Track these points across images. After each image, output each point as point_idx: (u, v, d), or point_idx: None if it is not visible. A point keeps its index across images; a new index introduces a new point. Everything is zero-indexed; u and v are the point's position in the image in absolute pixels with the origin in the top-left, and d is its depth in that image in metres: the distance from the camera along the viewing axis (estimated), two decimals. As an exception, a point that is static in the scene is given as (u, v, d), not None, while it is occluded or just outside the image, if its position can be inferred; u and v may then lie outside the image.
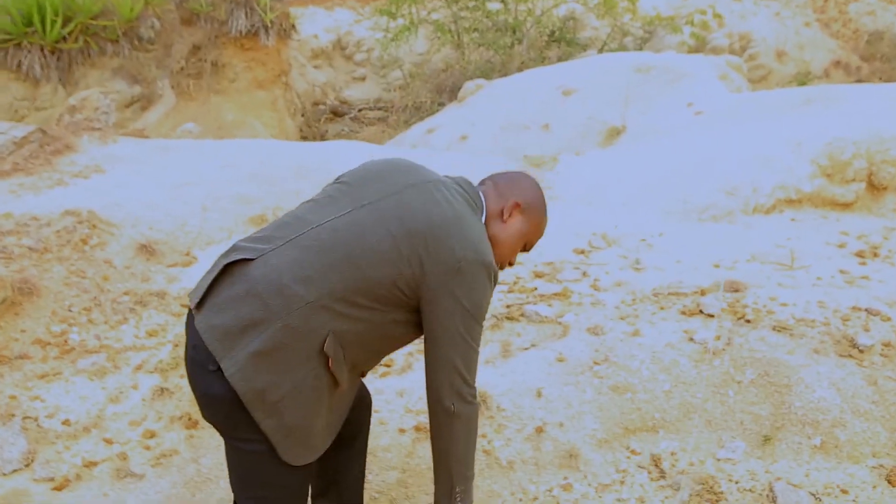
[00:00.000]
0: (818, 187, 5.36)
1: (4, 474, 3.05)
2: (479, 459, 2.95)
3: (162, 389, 3.51)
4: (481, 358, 3.46)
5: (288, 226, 1.95)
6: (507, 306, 3.99)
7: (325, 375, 1.88)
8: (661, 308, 3.81)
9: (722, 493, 2.78)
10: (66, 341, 3.86)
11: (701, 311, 3.70)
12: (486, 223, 2.11)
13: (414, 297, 1.92)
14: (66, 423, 3.32)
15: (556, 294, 4.06)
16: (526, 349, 3.54)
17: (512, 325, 3.81)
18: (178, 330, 3.99)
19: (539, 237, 2.26)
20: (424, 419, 3.09)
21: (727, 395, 3.16)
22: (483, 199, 2.14)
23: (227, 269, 1.89)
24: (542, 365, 3.35)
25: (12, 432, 3.21)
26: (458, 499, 2.09)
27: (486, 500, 2.82)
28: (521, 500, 2.82)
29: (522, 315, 3.88)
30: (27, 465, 3.10)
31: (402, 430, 3.05)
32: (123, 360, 3.74)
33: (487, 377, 3.28)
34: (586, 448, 3.01)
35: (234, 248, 1.93)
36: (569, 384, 3.24)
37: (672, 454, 2.99)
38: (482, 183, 2.22)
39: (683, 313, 3.72)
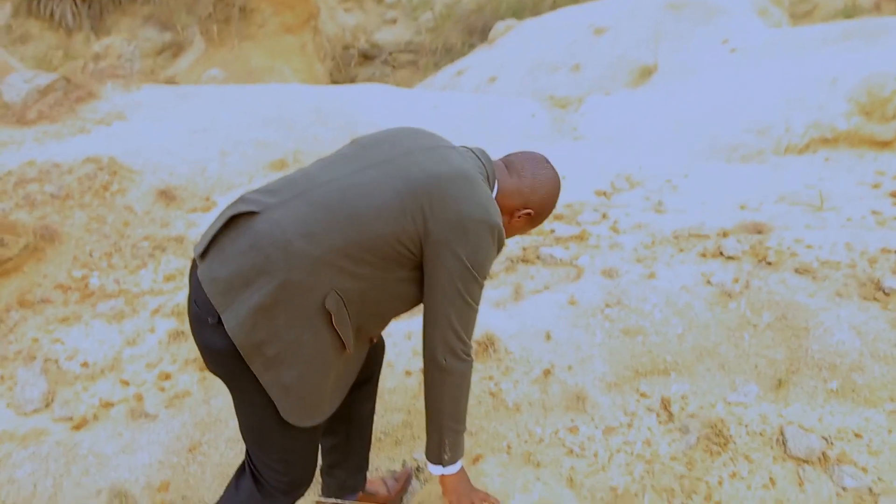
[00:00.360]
0: (855, 125, 5.13)
1: (25, 413, 3.14)
2: (486, 402, 2.94)
3: (177, 332, 3.56)
4: (492, 300, 3.43)
5: (296, 182, 1.91)
6: (524, 248, 3.94)
7: (328, 335, 1.85)
8: (680, 250, 3.72)
9: (730, 436, 2.72)
10: (86, 286, 3.93)
11: (721, 254, 3.60)
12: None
13: (419, 254, 1.88)
14: (84, 364, 3.39)
15: (573, 236, 3.99)
16: (538, 292, 3.49)
17: (526, 267, 3.76)
18: (196, 274, 4.02)
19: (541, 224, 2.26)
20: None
21: (742, 339, 3.09)
22: (497, 184, 2.08)
23: (233, 221, 1.85)
24: (553, 308, 3.30)
25: (33, 373, 3.29)
26: (447, 450, 2.08)
27: (491, 441, 2.82)
28: (526, 441, 2.81)
29: (538, 257, 3.82)
30: (47, 406, 3.18)
31: (408, 373, 3.05)
32: (141, 305, 3.80)
33: (497, 320, 3.25)
34: (594, 391, 2.97)
35: (241, 199, 1.89)
36: (579, 327, 3.19)
37: (682, 397, 2.94)
38: (507, 164, 2.13)
39: (703, 255, 3.63)
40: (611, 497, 2.56)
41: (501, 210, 2.04)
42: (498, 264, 3.77)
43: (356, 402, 2.40)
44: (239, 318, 1.77)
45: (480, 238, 1.87)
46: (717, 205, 4.24)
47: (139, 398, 3.20)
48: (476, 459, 2.39)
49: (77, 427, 3.06)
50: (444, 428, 2.04)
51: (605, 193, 4.53)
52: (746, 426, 2.77)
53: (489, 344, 3.09)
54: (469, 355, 1.98)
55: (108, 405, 3.17)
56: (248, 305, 1.77)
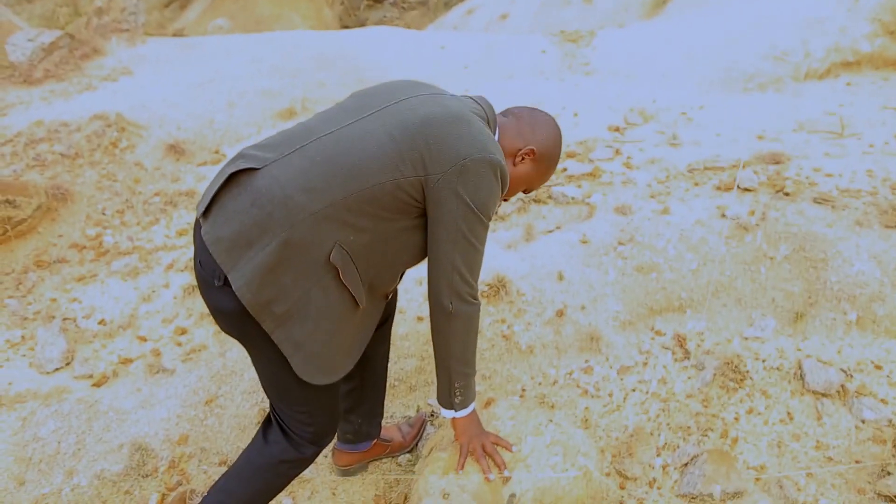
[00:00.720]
0: (879, 47, 4.93)
1: (47, 372, 3.19)
2: (499, 345, 2.93)
3: (192, 287, 3.57)
4: (502, 242, 3.39)
5: (294, 136, 1.87)
6: (535, 190, 3.87)
7: (337, 291, 1.82)
8: (695, 184, 3.63)
9: (747, 371, 2.69)
10: (100, 244, 3.94)
11: (737, 186, 3.51)
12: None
13: (422, 200, 1.83)
14: (101, 322, 3.42)
15: (586, 174, 3.91)
16: (550, 232, 3.44)
17: (538, 207, 3.70)
18: (208, 228, 4.01)
19: (543, 183, 2.17)
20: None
21: (759, 273, 3.03)
22: (498, 128, 2.04)
23: (233, 178, 1.82)
24: (565, 248, 3.25)
25: (52, 333, 3.33)
26: (458, 394, 2.07)
27: (504, 384, 2.81)
28: (540, 384, 2.80)
29: (549, 197, 3.76)
30: (67, 364, 3.23)
31: (420, 319, 3.04)
32: (155, 261, 3.81)
33: (508, 262, 3.21)
34: (608, 330, 2.95)
35: (240, 156, 1.86)
36: (591, 266, 3.15)
37: (698, 334, 2.90)
38: (504, 114, 2.10)
39: (718, 188, 3.54)
40: (625, 436, 2.55)
41: (504, 153, 2.00)
42: (509, 205, 3.72)
43: (370, 344, 2.40)
44: (245, 277, 1.75)
45: (482, 177, 1.82)
46: (734, 136, 4.13)
47: (156, 353, 3.23)
48: (488, 403, 2.39)
49: (97, 384, 3.10)
50: (453, 372, 2.03)
51: (618, 129, 4.43)
52: (763, 361, 2.73)
53: (500, 286, 3.06)
54: (476, 298, 1.95)
55: (126, 361, 3.21)
56: (254, 265, 1.75)
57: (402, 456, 2.63)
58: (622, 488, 2.41)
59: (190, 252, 3.84)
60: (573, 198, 3.64)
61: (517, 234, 3.46)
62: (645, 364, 2.82)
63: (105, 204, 4.20)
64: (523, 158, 2.04)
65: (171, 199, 4.25)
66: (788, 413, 2.55)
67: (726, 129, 4.21)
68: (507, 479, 2.13)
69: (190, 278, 3.66)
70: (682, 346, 2.87)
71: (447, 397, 2.08)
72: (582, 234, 3.32)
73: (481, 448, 2.12)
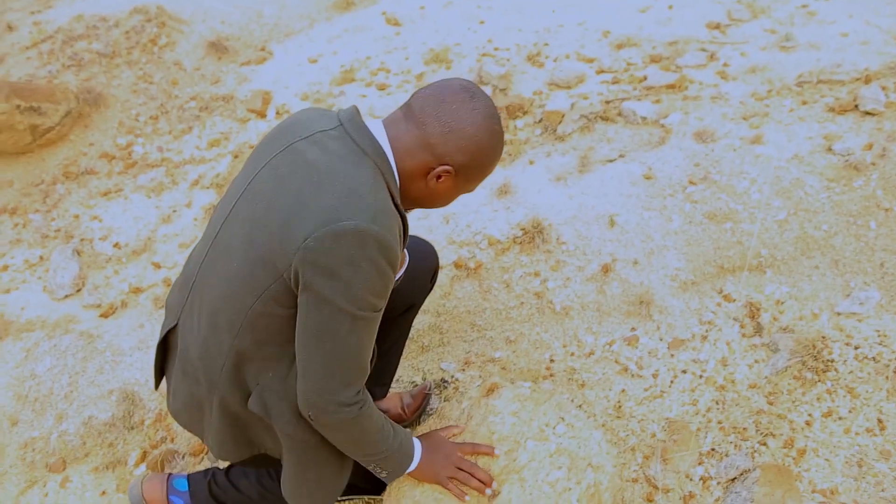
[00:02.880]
0: None
1: (58, 299, 3.02)
2: (529, 303, 2.48)
3: (214, 208, 3.28)
4: (551, 172, 2.87)
5: (189, 265, 1.71)
6: (606, 102, 3.26)
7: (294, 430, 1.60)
8: (803, 102, 2.92)
9: (832, 361, 2.13)
10: (129, 154, 3.70)
11: (856, 107, 2.78)
12: (400, 177, 1.51)
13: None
14: (117, 246, 3.21)
15: (668, 86, 3.25)
16: (610, 161, 2.87)
17: (604, 126, 3.11)
18: (241, 139, 3.68)
19: (484, 179, 1.65)
20: (467, 253, 2.62)
21: (866, 229, 2.38)
22: (388, 144, 1.49)
23: (168, 340, 1.76)
24: (623, 184, 2.69)
25: (65, 257, 3.14)
26: (380, 471, 1.68)
27: (531, 350, 2.38)
28: (573, 354, 2.35)
29: (619, 114, 3.15)
30: (78, 291, 3.05)
31: (440, 267, 2.60)
32: (181, 175, 3.53)
33: (551, 198, 2.70)
34: (664, 292, 2.42)
35: (167, 307, 1.78)
36: (652, 210, 2.59)
37: (777, 303, 2.33)
38: (406, 114, 1.51)
39: (831, 110, 2.83)
40: (664, 433, 2.09)
41: (408, 176, 1.51)
42: (570, 123, 3.14)
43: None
44: (216, 445, 1.68)
45: (332, 254, 1.35)
46: (864, 37, 3.30)
47: (168, 283, 2.99)
48: (490, 391, 1.97)
49: (105, 315, 2.90)
50: (363, 461, 1.66)
51: (718, 26, 3.66)
52: (856, 348, 2.16)
53: (537, 232, 2.57)
54: (347, 404, 1.48)
55: (136, 291, 2.99)
56: (214, 430, 1.65)
57: (402, 431, 2.29)
58: (649, 501, 1.97)
59: (219, 167, 3.54)
60: (646, 118, 3.02)
61: (571, 162, 2.91)
62: (704, 338, 2.30)
63: (139, 109, 3.92)
64: (439, 177, 1.51)
65: (207, 104, 3.91)
66: (880, 421, 2.00)
67: (856, 28, 3.38)
68: (493, 495, 1.75)
69: (214, 196, 3.36)
70: (754, 317, 2.32)
71: (374, 474, 1.72)
72: (647, 167, 2.74)
73: (453, 473, 1.74)
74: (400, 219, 1.50)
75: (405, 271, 1.91)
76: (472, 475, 1.75)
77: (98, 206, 3.45)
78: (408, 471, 1.74)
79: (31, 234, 3.36)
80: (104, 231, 3.29)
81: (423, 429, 1.97)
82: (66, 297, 3.03)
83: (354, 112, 1.53)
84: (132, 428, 2.47)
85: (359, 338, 1.44)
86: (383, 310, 1.48)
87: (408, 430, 1.76)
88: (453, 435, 1.85)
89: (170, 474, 2.03)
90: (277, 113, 3.81)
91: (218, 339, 1.55)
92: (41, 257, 3.23)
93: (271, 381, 1.56)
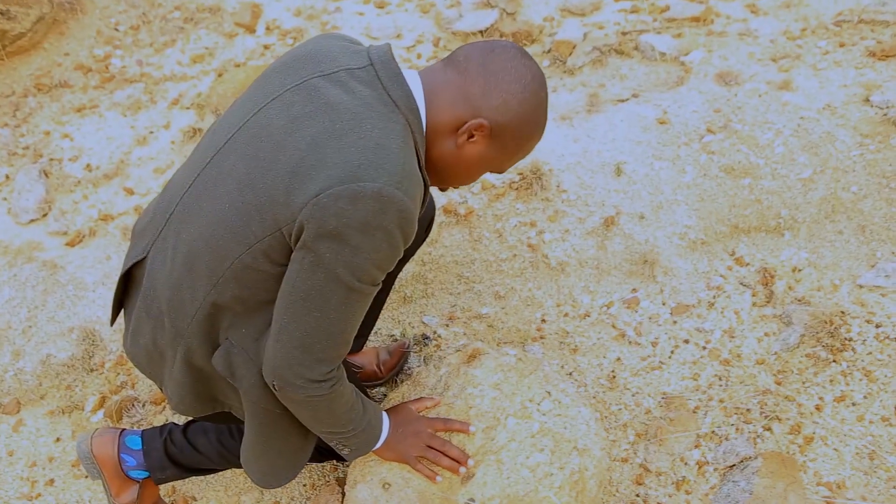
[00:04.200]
0: None
1: (22, 223, 2.83)
2: (522, 255, 2.27)
3: (194, 130, 3.05)
4: (557, 111, 2.61)
5: (166, 195, 1.49)
6: (623, 33, 2.97)
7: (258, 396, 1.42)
8: (840, 45, 2.64)
9: (849, 340, 1.94)
10: (107, 67, 3.43)
11: (899, 53, 2.51)
12: (427, 135, 1.29)
13: None
14: (87, 168, 2.99)
15: (692, 18, 2.95)
16: (622, 101, 2.61)
17: (619, 61, 2.83)
18: (226, 55, 3.41)
19: (519, 159, 1.41)
20: (458, 197, 2.40)
21: (900, 192, 2.15)
22: (423, 98, 1.28)
23: (130, 275, 1.54)
24: (634, 128, 2.45)
25: (30, 178, 2.93)
26: (344, 447, 1.51)
27: (522, 308, 2.19)
28: (566, 315, 2.16)
29: (636, 48, 2.87)
30: (43, 216, 2.85)
31: (427, 212, 2.39)
32: (160, 94, 3.27)
33: (553, 141, 2.46)
34: (670, 251, 2.22)
35: (133, 234, 1.57)
36: (664, 159, 2.35)
37: (794, 270, 2.13)
38: (448, 62, 1.31)
39: (871, 55, 2.55)
40: (660, 409, 1.92)
41: (437, 132, 1.29)
42: (582, 56, 2.87)
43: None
44: (175, 396, 1.50)
45: (344, 217, 1.15)
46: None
47: (139, 212, 2.78)
48: (471, 357, 1.79)
49: (71, 243, 2.71)
50: (324, 437, 1.49)
51: (752, -49, 3.32)
52: (878, 326, 1.96)
53: (536, 178, 2.34)
54: (318, 381, 1.30)
55: (106, 218, 2.79)
56: (175, 383, 1.48)
57: (376, 389, 2.13)
58: (639, 483, 1.82)
59: (201, 86, 3.28)
60: (665, 54, 2.74)
61: (579, 100, 2.65)
62: (711, 305, 2.11)
63: (119, 17, 3.63)
64: (472, 136, 1.29)
65: (193, 15, 3.61)
66: (897, 410, 1.83)
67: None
68: (467, 477, 1.59)
69: (194, 118, 3.12)
70: (767, 284, 2.12)
71: (337, 451, 1.55)
72: (662, 111, 2.48)
73: (422, 452, 1.57)
74: (424, 187, 1.29)
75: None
76: (444, 453, 1.59)
77: (70, 122, 3.21)
78: (376, 445, 1.58)
79: (-3, 150, 3.14)
80: (75, 151, 3.06)
81: (395, 396, 1.80)
82: (31, 221, 2.83)
83: (388, 53, 1.30)
84: (92, 370, 2.31)
85: (349, 312, 1.25)
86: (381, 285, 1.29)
87: (377, 404, 1.59)
88: (426, 408, 1.68)
89: (122, 430, 1.88)
90: (267, 28, 3.53)
91: (192, 286, 1.35)
92: (7, 176, 3.01)
93: (243, 337, 1.38)
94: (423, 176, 1.31)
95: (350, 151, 1.17)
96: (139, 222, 1.57)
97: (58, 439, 2.17)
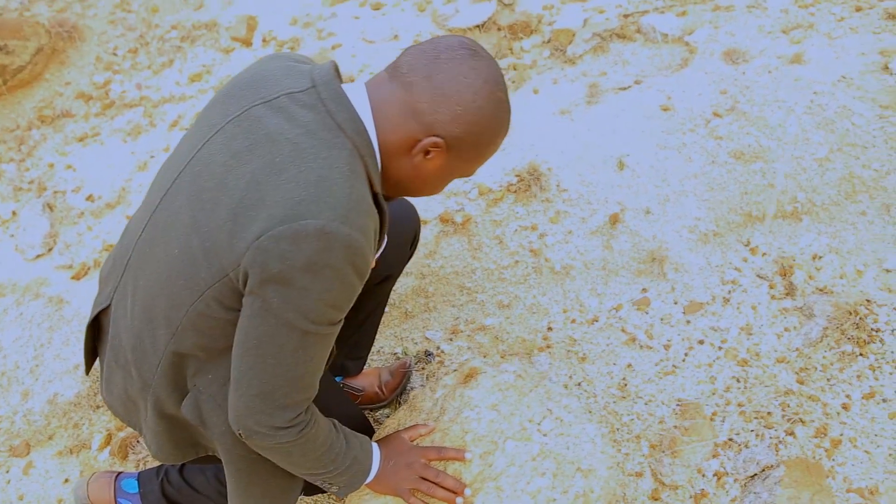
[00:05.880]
0: None
1: (29, 259, 2.82)
2: (525, 261, 2.17)
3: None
4: (555, 104, 2.50)
5: (122, 242, 1.44)
6: (624, 16, 2.83)
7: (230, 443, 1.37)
8: (857, 9, 2.47)
9: (877, 331, 1.80)
10: (107, 93, 3.41)
11: (920, 13, 2.33)
12: (382, 153, 1.21)
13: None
14: (90, 198, 2.97)
15: (696, -7, 2.80)
16: (623, 89, 2.48)
17: (621, 46, 2.70)
18: (223, 72, 3.37)
19: (486, 161, 1.32)
20: (454, 205, 2.30)
21: (926, 166, 2.00)
22: (371, 116, 1.19)
23: (98, 323, 1.49)
24: (636, 117, 2.32)
25: (35, 213, 2.93)
26: (331, 486, 1.43)
27: (527, 316, 2.10)
28: (574, 321, 2.06)
29: (638, 31, 2.73)
30: (49, 250, 2.84)
31: (423, 222, 2.30)
32: (160, 116, 3.24)
33: (552, 138, 2.35)
34: (680, 246, 2.09)
35: (100, 280, 1.52)
36: (668, 148, 2.22)
37: (814, 258, 1.99)
38: (391, 75, 1.21)
39: (891, 17, 2.38)
40: (674, 417, 1.81)
41: (392, 152, 1.21)
42: (581, 44, 2.74)
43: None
44: (153, 445, 1.44)
45: (287, 259, 1.08)
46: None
47: (142, 240, 2.76)
48: (468, 378, 1.70)
49: (76, 277, 2.70)
50: (307, 478, 1.42)
51: (759, -84, 3.15)
52: (907, 314, 1.82)
53: (534, 179, 2.24)
54: (284, 426, 1.23)
55: (109, 248, 2.77)
56: (152, 433, 1.42)
57: (381, 412, 2.06)
58: (655, 499, 1.71)
59: (199, 105, 3.24)
60: (666, 35, 2.60)
61: (578, 92, 2.53)
62: (726, 301, 1.99)
63: (117, 42, 3.61)
64: (428, 152, 1.20)
65: (189, 33, 3.58)
66: (932, 405, 1.69)
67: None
68: (466, 507, 1.51)
69: (193, 140, 3.08)
70: (785, 275, 1.98)
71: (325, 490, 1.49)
72: (665, 96, 2.35)
73: (415, 485, 1.49)
74: (378, 215, 1.21)
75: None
76: (439, 485, 1.50)
77: (73, 153, 3.20)
78: (367, 479, 1.50)
79: (4, 186, 3.15)
80: (77, 182, 3.05)
81: (392, 423, 1.73)
82: (38, 257, 2.82)
83: (332, 72, 1.22)
84: (98, 407, 2.28)
85: (308, 355, 1.18)
86: (343, 321, 1.21)
87: (366, 437, 1.51)
88: (420, 436, 1.60)
89: (119, 473, 1.84)
90: (264, 41, 3.47)
91: (153, 335, 1.30)
92: (13, 212, 3.02)
93: (209, 384, 1.32)
94: (379, 202, 1.23)
95: (290, 188, 1.09)
96: (104, 268, 1.52)
97: (66, 480, 2.15)
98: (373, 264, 1.21)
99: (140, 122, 3.24)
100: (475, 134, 1.21)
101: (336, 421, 1.41)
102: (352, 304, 1.19)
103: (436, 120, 1.17)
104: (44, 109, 3.40)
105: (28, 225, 2.89)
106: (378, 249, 1.32)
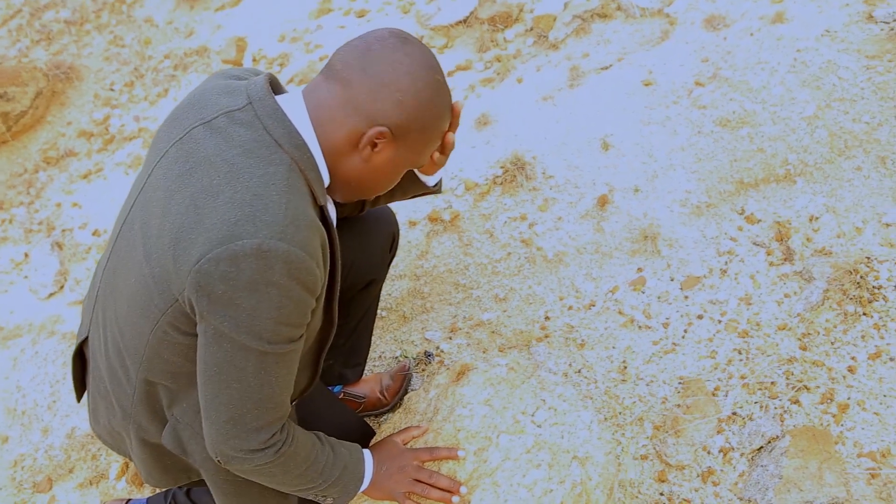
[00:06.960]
0: None
1: (42, 298, 2.88)
2: (517, 253, 2.15)
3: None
4: (539, 90, 2.47)
5: (95, 274, 1.46)
6: (605, -6, 2.79)
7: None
8: (837, -40, 2.40)
9: (879, 288, 1.74)
10: (107, 129, 3.47)
11: (903, -44, 2.25)
12: (328, 159, 1.21)
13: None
14: (95, 233, 3.02)
15: (676, -37, 2.74)
16: (605, 68, 2.44)
17: (603, 26, 2.66)
18: (217, 96, 3.40)
19: (434, 147, 1.31)
20: (442, 203, 2.29)
21: (918, 113, 1.92)
22: (310, 124, 1.19)
23: (84, 351, 1.51)
24: (618, 95, 2.28)
25: (44, 252, 2.98)
26: (328, 499, 1.43)
27: (524, 307, 2.07)
28: (570, 307, 2.03)
29: (618, 8, 2.69)
30: (60, 288, 2.89)
31: (412, 223, 2.29)
32: (158, 145, 3.29)
33: (534, 126, 2.32)
34: (672, 221, 2.05)
35: (82, 311, 1.57)
36: (652, 123, 2.18)
37: (811, 219, 1.93)
38: (327, 76, 1.20)
39: (873, -36, 2.30)
40: (676, 396, 1.77)
41: (338, 152, 1.21)
42: (562, 28, 2.71)
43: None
44: (143, 472, 1.47)
45: (230, 281, 1.08)
46: None
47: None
48: (460, 375, 1.69)
49: (88, 311, 2.74)
50: (297, 495, 1.42)
51: None
52: (909, 268, 1.76)
53: (518, 168, 2.21)
54: (260, 448, 1.22)
55: (118, 280, 2.81)
56: (138, 460, 1.45)
57: (384, 416, 2.05)
58: (661, 481, 1.67)
59: (194, 131, 3.27)
60: (645, 8, 2.56)
61: (560, 77, 2.50)
62: (723, 272, 1.94)
63: (113, 77, 3.67)
64: (375, 145, 1.19)
65: (181, 61, 3.62)
66: (941, 360, 1.62)
67: None
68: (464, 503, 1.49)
69: (192, 166, 3.12)
70: (782, 240, 1.93)
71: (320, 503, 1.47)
72: (646, 71, 2.31)
73: (409, 488, 1.48)
74: (325, 228, 1.20)
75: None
76: (433, 485, 1.49)
77: (78, 190, 3.26)
78: (363, 488, 1.49)
79: (16, 229, 3.22)
80: (83, 218, 3.10)
81: (387, 427, 1.72)
82: (50, 295, 2.88)
83: (266, 86, 1.21)
84: (113, 436, 2.32)
85: (271, 375, 1.17)
86: (303, 338, 1.21)
87: (357, 445, 1.50)
88: (413, 438, 1.59)
89: (128, 501, 1.86)
90: (254, 60, 3.50)
91: (124, 365, 1.32)
92: (25, 255, 3.08)
93: (184, 412, 1.33)
94: (324, 215, 1.22)
95: (226, 209, 1.09)
96: (85, 299, 1.54)
97: (87, 511, 2.19)
98: (325, 279, 1.20)
99: (140, 154, 3.29)
100: (418, 119, 1.20)
101: (321, 433, 1.41)
102: (308, 319, 1.18)
103: (377, 110, 1.16)
104: (48, 151, 3.47)
105: (39, 265, 2.95)
106: (330, 260, 1.30)
